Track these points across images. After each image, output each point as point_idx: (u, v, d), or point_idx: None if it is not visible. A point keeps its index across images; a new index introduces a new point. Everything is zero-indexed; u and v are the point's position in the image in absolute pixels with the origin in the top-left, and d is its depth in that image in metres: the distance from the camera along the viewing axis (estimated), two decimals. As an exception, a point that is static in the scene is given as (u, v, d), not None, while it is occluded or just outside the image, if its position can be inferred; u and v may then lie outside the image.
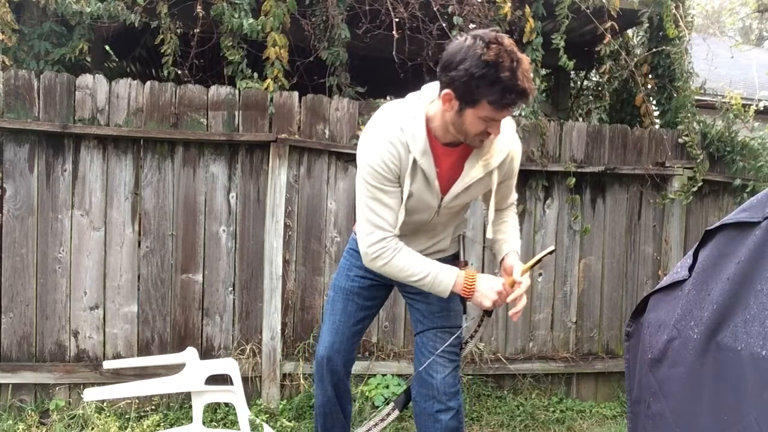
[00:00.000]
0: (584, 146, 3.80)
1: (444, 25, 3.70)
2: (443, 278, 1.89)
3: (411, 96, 1.91)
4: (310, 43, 3.72)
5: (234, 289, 3.40)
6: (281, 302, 3.38)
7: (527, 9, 3.87)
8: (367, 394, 3.34)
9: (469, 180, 1.90)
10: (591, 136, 3.82)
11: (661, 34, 4.26)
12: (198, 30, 3.48)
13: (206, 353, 3.34)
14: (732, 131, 4.00)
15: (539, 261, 1.97)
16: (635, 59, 4.38)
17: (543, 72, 4.97)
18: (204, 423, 2.45)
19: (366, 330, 2.34)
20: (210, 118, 3.31)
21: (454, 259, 2.14)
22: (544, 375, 3.78)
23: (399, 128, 1.82)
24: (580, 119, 5.25)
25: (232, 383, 2.32)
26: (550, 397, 3.75)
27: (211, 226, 3.37)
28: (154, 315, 3.32)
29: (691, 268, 1.48)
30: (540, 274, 3.77)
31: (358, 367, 3.37)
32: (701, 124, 4.03)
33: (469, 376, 3.60)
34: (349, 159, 3.47)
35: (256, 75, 3.51)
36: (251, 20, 3.42)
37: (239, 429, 2.31)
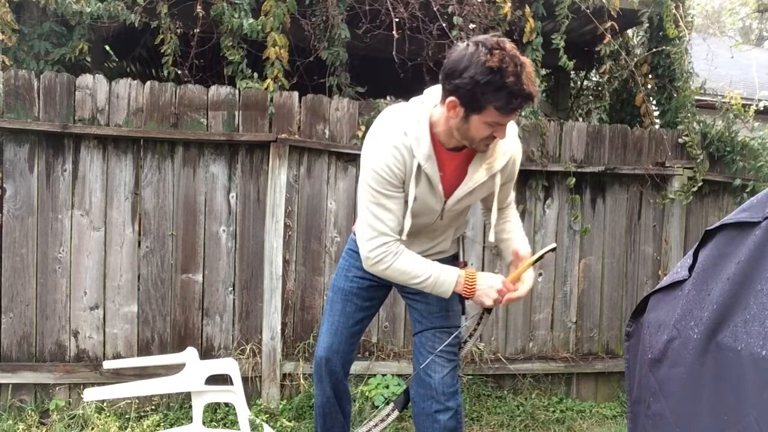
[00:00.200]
0: (584, 146, 3.80)
1: (444, 25, 3.71)
2: (445, 279, 1.89)
3: (414, 100, 1.91)
4: (310, 43, 3.72)
5: (234, 289, 3.41)
6: (281, 302, 3.38)
7: (527, 9, 3.87)
8: (367, 394, 3.34)
9: (473, 184, 1.91)
10: (591, 136, 3.82)
11: (661, 34, 4.26)
12: (198, 30, 3.48)
13: (206, 353, 3.34)
14: (732, 131, 4.00)
15: (541, 258, 1.97)
16: (635, 59, 4.38)
17: (543, 72, 4.98)
18: (204, 423, 2.45)
19: (365, 330, 2.34)
20: (210, 118, 3.31)
21: (453, 260, 2.15)
22: (544, 375, 3.78)
23: (403, 132, 1.81)
24: (580, 119, 5.25)
25: (232, 383, 2.32)
26: (550, 397, 3.75)
27: (211, 226, 3.37)
28: (154, 315, 3.32)
29: (691, 268, 1.48)
30: (540, 274, 3.77)
31: (358, 367, 3.38)
32: (701, 124, 4.03)
33: (469, 376, 3.60)
34: (349, 159, 3.47)
35: (256, 75, 3.51)
36: (251, 20, 3.42)
37: (239, 429, 2.31)
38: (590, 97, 5.53)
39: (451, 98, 1.71)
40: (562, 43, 3.90)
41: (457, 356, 2.15)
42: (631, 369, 1.73)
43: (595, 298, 3.89)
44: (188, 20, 3.52)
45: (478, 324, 2.16)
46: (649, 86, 4.41)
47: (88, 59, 3.57)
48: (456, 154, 1.88)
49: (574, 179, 3.72)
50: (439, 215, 1.97)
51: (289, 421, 3.19)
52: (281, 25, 3.49)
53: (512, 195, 2.17)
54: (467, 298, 1.95)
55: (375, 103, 3.50)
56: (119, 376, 3.12)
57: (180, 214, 3.33)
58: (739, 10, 13.54)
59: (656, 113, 4.49)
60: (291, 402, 3.35)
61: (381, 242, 1.86)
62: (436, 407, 2.08)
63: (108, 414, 3.12)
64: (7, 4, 3.28)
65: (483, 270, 3.63)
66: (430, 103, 1.85)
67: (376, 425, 2.16)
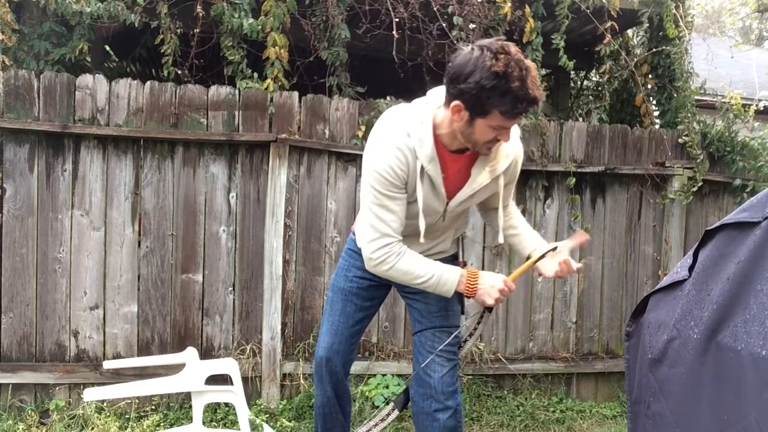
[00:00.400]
0: (584, 146, 3.80)
1: (444, 25, 3.70)
2: (447, 278, 1.90)
3: (418, 101, 1.90)
4: (310, 43, 3.72)
5: (234, 289, 3.40)
6: (281, 302, 3.38)
7: (527, 9, 3.87)
8: (367, 394, 3.34)
9: (477, 186, 1.91)
10: (591, 136, 3.82)
11: (661, 34, 4.26)
12: (198, 30, 3.48)
13: (206, 353, 3.34)
14: (732, 131, 4.00)
15: (542, 257, 1.97)
16: (635, 59, 4.38)
17: (543, 72, 4.98)
18: (204, 423, 2.45)
19: (365, 330, 2.34)
20: (210, 118, 3.31)
21: (453, 260, 2.15)
22: (544, 375, 3.78)
23: (406, 134, 1.81)
24: (580, 119, 5.25)
25: (232, 383, 2.32)
26: (550, 397, 3.75)
27: (211, 226, 3.37)
28: (154, 315, 3.32)
29: (691, 268, 1.48)
30: (540, 274, 3.76)
31: (358, 367, 3.38)
32: (701, 124, 4.03)
33: (469, 376, 3.60)
34: (349, 159, 3.47)
35: (256, 75, 3.51)
36: (251, 20, 3.42)
37: (239, 429, 2.31)
38: (590, 97, 5.53)
39: (455, 102, 1.71)
40: (562, 43, 3.90)
41: (457, 355, 2.15)
42: (631, 369, 1.73)
43: (595, 298, 3.89)
44: (188, 20, 3.51)
45: (478, 323, 2.17)
46: (649, 86, 4.41)
47: (88, 59, 3.57)
48: (459, 156, 1.89)
49: (574, 179, 3.72)
50: (441, 216, 1.97)
51: (289, 421, 3.19)
52: (281, 25, 3.49)
53: (512, 193, 2.18)
54: (469, 297, 1.95)
55: (375, 103, 3.49)
56: (119, 376, 3.12)
57: (180, 214, 3.33)
58: (739, 10, 13.55)
59: (656, 113, 4.49)
60: (291, 402, 3.35)
61: (384, 243, 1.86)
62: (435, 406, 2.09)
63: (108, 414, 3.12)
64: (7, 4, 3.28)
65: (483, 270, 3.63)
66: (434, 105, 1.85)
67: (376, 425, 2.16)
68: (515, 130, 1.94)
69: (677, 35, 4.08)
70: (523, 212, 3.69)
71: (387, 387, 3.38)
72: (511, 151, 1.92)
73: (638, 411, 1.65)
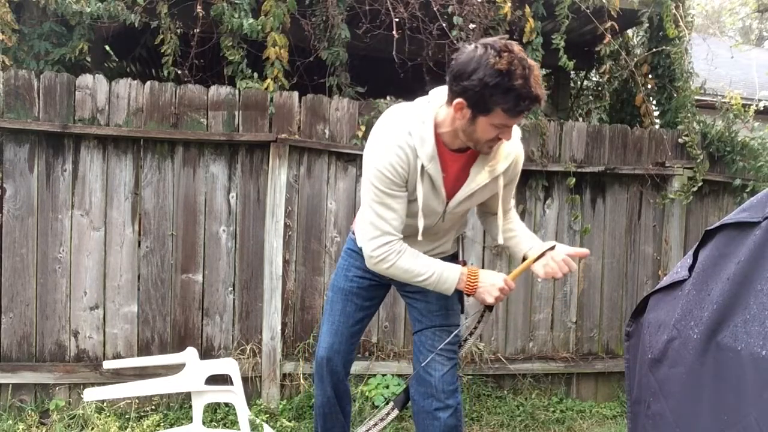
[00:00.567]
0: (584, 146, 3.80)
1: (444, 25, 3.70)
2: (448, 276, 1.90)
3: (420, 100, 1.91)
4: (310, 43, 3.72)
5: (234, 289, 3.41)
6: (281, 302, 3.38)
7: (527, 9, 3.87)
8: (367, 394, 3.34)
9: (475, 186, 1.91)
10: (591, 136, 3.82)
11: (661, 34, 4.26)
12: (198, 30, 3.48)
13: (206, 353, 3.34)
14: (732, 131, 4.00)
15: (540, 257, 1.97)
16: (635, 59, 4.38)
17: (543, 72, 4.98)
18: (204, 423, 2.45)
19: (365, 330, 2.35)
20: (210, 118, 3.31)
21: (453, 259, 2.14)
22: (544, 375, 3.78)
23: (407, 132, 1.81)
24: (580, 119, 5.25)
25: (232, 383, 2.32)
26: (550, 397, 3.75)
27: (211, 226, 3.37)
28: (154, 315, 3.32)
29: (691, 268, 1.48)
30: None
31: (358, 367, 3.38)
32: (701, 124, 4.03)
33: (469, 376, 3.60)
34: (349, 159, 3.47)
35: (256, 75, 3.51)
36: (251, 20, 3.42)
37: (239, 429, 2.31)
38: (590, 97, 5.53)
39: (458, 100, 1.71)
40: (562, 43, 3.90)
41: (457, 354, 2.15)
42: (631, 369, 1.73)
43: (595, 298, 3.89)
44: (188, 20, 3.51)
45: (478, 322, 2.16)
46: (649, 86, 4.41)
47: (88, 59, 3.57)
48: (459, 156, 1.88)
49: (574, 179, 3.72)
50: (441, 217, 1.97)
51: (289, 421, 3.19)
52: (281, 25, 3.49)
53: (512, 201, 2.16)
54: (469, 296, 1.95)
55: (375, 103, 3.49)
56: (119, 376, 3.12)
57: (180, 214, 3.33)
58: (739, 10, 13.55)
59: (656, 113, 4.49)
60: (291, 402, 3.35)
61: (384, 241, 1.87)
62: (436, 405, 2.09)
63: (108, 414, 3.12)
64: (7, 4, 3.28)
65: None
66: (436, 104, 1.85)
67: (375, 424, 2.16)
68: (516, 130, 1.94)
69: (677, 35, 4.08)
70: (523, 212, 3.69)
71: (387, 387, 3.38)
72: (511, 152, 1.92)
73: (638, 411, 1.65)
